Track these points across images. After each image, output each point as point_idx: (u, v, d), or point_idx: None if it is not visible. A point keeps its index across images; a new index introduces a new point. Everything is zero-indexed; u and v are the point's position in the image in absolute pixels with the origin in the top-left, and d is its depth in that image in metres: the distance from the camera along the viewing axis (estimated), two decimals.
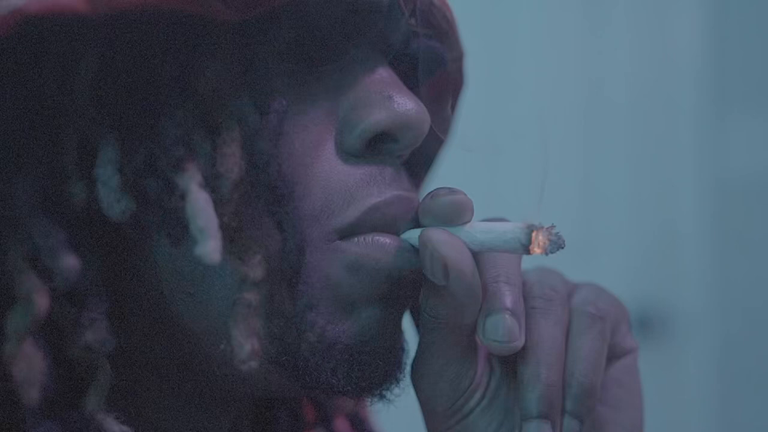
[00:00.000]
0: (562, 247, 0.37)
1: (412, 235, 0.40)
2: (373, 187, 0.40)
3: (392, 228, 0.40)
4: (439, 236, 0.38)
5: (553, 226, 0.37)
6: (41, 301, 0.35)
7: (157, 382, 0.41)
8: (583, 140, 1.62)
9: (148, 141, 0.37)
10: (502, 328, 0.39)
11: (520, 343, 0.39)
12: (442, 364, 0.40)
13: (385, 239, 0.39)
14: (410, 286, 0.41)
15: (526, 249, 0.38)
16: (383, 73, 0.41)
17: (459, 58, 0.47)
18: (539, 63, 1.54)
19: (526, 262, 0.42)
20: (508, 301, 0.39)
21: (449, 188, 0.39)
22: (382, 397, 0.41)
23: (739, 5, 1.71)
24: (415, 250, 0.40)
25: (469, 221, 0.39)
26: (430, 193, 0.40)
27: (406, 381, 0.42)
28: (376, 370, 0.40)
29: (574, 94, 1.61)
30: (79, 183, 0.36)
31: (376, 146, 0.40)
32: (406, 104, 0.40)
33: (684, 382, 1.71)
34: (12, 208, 0.35)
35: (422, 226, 0.40)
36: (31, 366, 0.34)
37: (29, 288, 0.35)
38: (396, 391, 0.41)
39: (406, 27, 0.42)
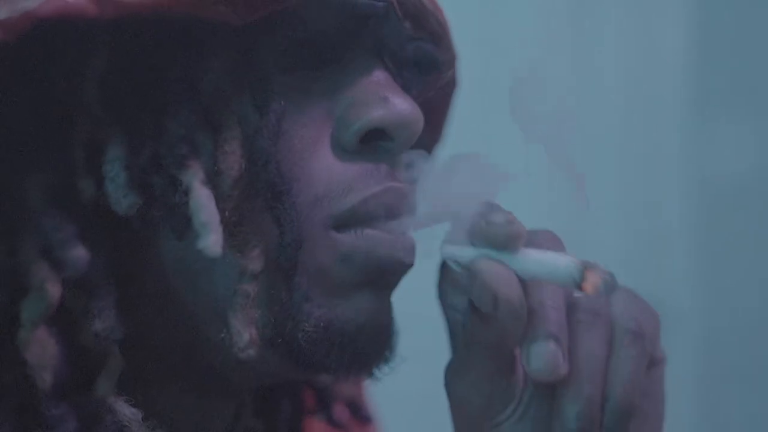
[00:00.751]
0: (615, 289, 0.37)
1: (462, 254, 0.40)
2: (370, 179, 0.41)
3: (388, 215, 0.41)
4: (490, 269, 0.38)
5: (607, 269, 0.37)
6: (53, 290, 0.37)
7: (163, 369, 0.43)
8: (573, 140, 1.63)
9: (154, 139, 0.39)
10: (546, 356, 0.38)
11: (563, 370, 0.38)
12: (478, 377, 0.41)
13: (375, 233, 0.41)
14: (399, 272, 0.43)
15: (578, 285, 0.37)
16: (379, 75, 0.42)
17: (452, 60, 0.49)
18: (525, 65, 1.55)
19: None
20: (554, 327, 0.38)
21: (504, 213, 0.39)
22: (371, 375, 0.43)
23: (722, 10, 1.71)
24: (402, 244, 0.42)
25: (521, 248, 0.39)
26: (484, 214, 0.39)
27: (396, 360, 0.43)
28: (366, 352, 0.42)
29: (560, 96, 1.62)
30: (88, 179, 0.38)
31: (371, 144, 0.42)
32: (401, 105, 0.41)
33: (669, 377, 1.72)
34: (25, 203, 0.37)
35: (473, 246, 0.40)
36: (44, 351, 0.37)
37: (42, 278, 0.37)
38: (385, 370, 0.43)
39: (401, 31, 0.44)
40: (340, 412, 0.56)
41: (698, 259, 1.71)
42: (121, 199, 0.38)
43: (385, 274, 0.42)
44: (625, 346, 0.39)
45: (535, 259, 0.38)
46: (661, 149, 1.71)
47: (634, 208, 1.70)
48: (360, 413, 0.57)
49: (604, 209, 1.68)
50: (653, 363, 0.41)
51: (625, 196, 1.69)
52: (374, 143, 0.42)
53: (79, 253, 0.37)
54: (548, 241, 0.40)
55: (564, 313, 0.39)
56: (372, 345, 0.42)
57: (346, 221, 0.41)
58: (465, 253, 0.40)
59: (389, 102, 0.41)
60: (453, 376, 0.41)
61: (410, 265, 0.43)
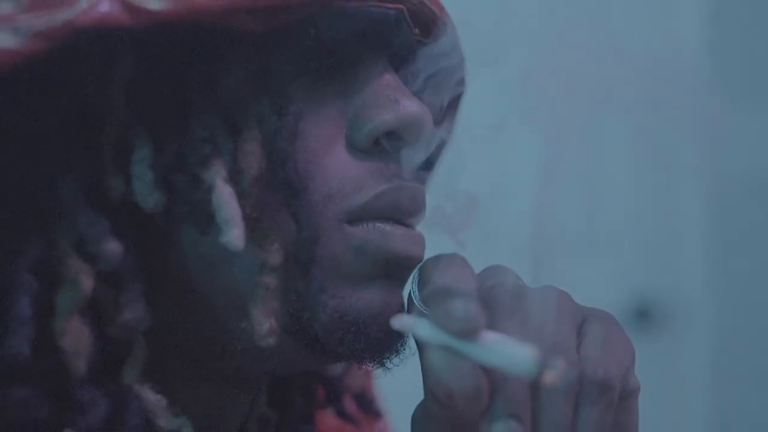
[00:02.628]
0: (571, 380, 0.38)
1: (417, 329, 0.39)
2: (380, 177, 0.43)
3: (396, 212, 0.43)
4: (443, 364, 0.37)
5: (562, 362, 0.37)
6: (86, 282, 0.39)
7: (184, 359, 0.45)
8: (586, 134, 1.65)
9: (178, 140, 0.41)
10: None
11: None
12: None
13: (386, 227, 0.43)
14: (409, 265, 0.44)
15: (535, 378, 0.37)
16: (390, 78, 0.45)
17: (459, 63, 0.51)
18: (539, 56, 1.56)
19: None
20: (515, 405, 0.38)
21: (463, 303, 0.38)
22: (382, 365, 0.45)
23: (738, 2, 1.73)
24: (413, 238, 0.44)
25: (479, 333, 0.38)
26: (441, 299, 0.38)
27: (407, 353, 0.45)
28: (378, 341, 0.43)
29: (577, 87, 1.63)
30: (118, 178, 0.41)
31: (383, 144, 0.44)
32: (410, 106, 0.44)
33: (682, 371, 1.73)
34: (61, 201, 0.40)
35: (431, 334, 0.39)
36: (78, 340, 0.39)
37: (76, 270, 0.39)
38: (396, 360, 0.45)
39: (410, 36, 0.46)
40: (350, 406, 0.58)
41: (712, 250, 1.72)
42: (148, 196, 0.41)
43: (396, 266, 0.44)
44: (591, 400, 0.39)
45: (492, 350, 0.37)
46: (676, 140, 1.71)
47: (648, 199, 1.71)
48: (371, 407, 0.58)
49: (618, 200, 1.69)
50: (626, 395, 0.41)
51: (639, 187, 1.70)
52: (385, 143, 0.44)
53: (112, 247, 0.39)
54: (498, 275, 0.41)
55: (526, 384, 0.39)
56: (384, 335, 0.43)
57: (358, 217, 0.43)
58: (420, 329, 0.39)
59: (399, 104, 0.43)
60: (418, 425, 0.41)
61: (420, 260, 0.45)
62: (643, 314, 1.70)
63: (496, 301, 0.40)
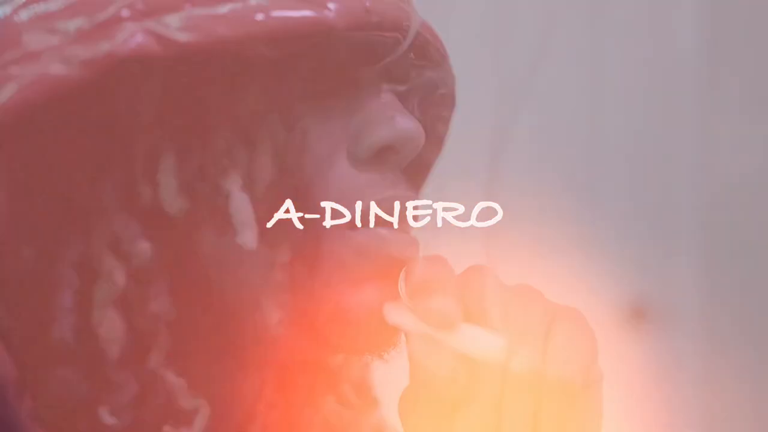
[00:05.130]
0: (535, 369, 0.41)
1: (403, 321, 0.44)
2: (377, 188, 0.48)
3: (393, 218, 0.48)
4: (424, 352, 0.43)
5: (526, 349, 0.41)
6: (120, 278, 0.44)
7: (203, 347, 0.49)
8: (581, 138, 1.68)
9: (200, 153, 0.46)
10: None
11: None
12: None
13: (385, 231, 0.47)
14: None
15: (503, 365, 0.41)
16: (387, 98, 0.49)
17: (450, 82, 0.56)
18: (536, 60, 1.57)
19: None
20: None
21: (443, 299, 0.43)
22: (380, 357, 0.49)
23: (733, 9, 1.75)
24: (409, 242, 0.48)
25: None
26: (423, 296, 0.43)
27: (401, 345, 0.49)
28: (376, 335, 0.48)
29: (571, 92, 1.67)
30: (147, 186, 0.45)
31: (380, 156, 0.48)
32: (406, 123, 0.48)
33: (674, 372, 1.76)
34: (98, 205, 0.45)
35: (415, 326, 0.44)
36: (113, 328, 0.44)
37: (111, 267, 0.44)
38: (392, 353, 0.49)
39: (406, 59, 0.50)
40: (348, 392, 0.62)
41: (704, 254, 1.72)
42: (173, 202, 0.45)
43: (393, 268, 0.48)
44: (551, 403, 0.42)
45: (468, 338, 0.42)
46: (669, 146, 1.74)
47: (641, 203, 1.74)
48: (367, 395, 0.62)
49: (612, 204, 1.72)
50: (589, 384, 0.44)
51: (633, 191, 1.73)
52: (383, 156, 0.48)
53: (143, 247, 0.45)
54: (477, 273, 0.44)
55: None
56: (382, 330, 0.47)
57: (359, 222, 0.47)
58: (406, 321, 0.44)
59: (395, 120, 0.48)
60: (404, 410, 0.45)
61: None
62: (636, 315, 1.74)
63: (473, 298, 0.44)
